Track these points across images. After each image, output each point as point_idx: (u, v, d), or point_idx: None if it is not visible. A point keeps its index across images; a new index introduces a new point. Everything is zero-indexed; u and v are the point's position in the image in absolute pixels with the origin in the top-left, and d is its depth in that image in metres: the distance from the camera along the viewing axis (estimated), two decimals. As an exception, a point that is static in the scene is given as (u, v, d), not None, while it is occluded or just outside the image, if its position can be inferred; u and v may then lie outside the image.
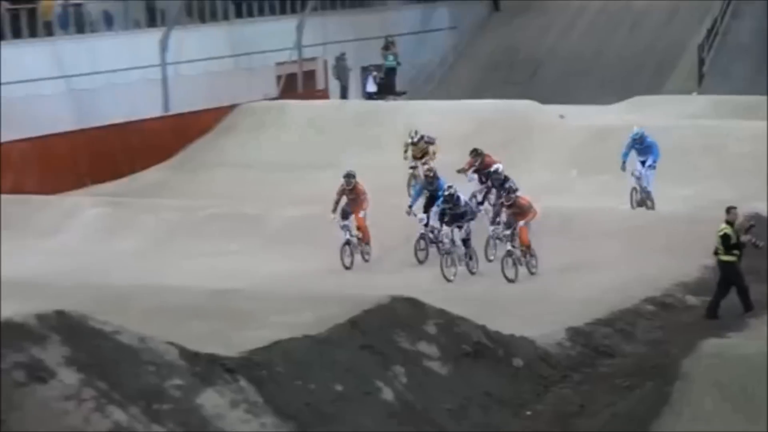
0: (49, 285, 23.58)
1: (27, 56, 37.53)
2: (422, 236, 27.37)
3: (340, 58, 46.51)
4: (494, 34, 53.06)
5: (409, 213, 27.48)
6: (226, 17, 45.18)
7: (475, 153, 30.29)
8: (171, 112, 39.72)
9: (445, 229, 25.94)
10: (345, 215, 27.46)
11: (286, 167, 34.68)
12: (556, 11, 53.02)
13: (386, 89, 46.24)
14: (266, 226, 27.67)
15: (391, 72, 46.72)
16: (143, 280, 24.99)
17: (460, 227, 25.94)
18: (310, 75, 46.87)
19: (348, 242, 27.21)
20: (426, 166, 29.91)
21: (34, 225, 32.47)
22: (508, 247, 25.55)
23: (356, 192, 27.60)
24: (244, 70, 43.67)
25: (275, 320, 19.62)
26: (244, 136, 38.72)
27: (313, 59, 46.75)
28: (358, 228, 27.44)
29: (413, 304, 20.52)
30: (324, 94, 46.74)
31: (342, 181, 27.65)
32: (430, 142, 32.74)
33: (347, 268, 27.14)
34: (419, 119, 38.88)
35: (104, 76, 38.32)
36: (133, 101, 38.41)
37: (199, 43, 42.29)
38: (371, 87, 46.34)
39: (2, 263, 26.47)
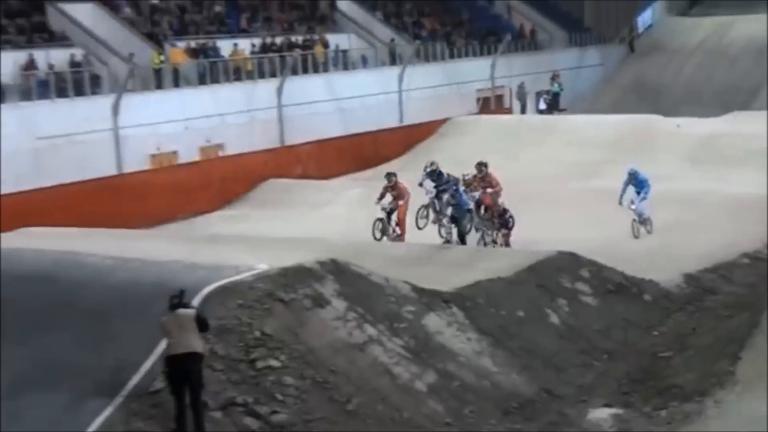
0: (325, 241, 23.86)
1: (310, 86, 37.91)
2: (425, 206, 24.64)
3: (521, 86, 46.14)
4: (630, 69, 52.52)
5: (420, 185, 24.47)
6: (443, 58, 45.00)
7: (480, 165, 25.97)
8: (404, 124, 39.75)
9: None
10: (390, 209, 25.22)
11: (484, 158, 34.93)
12: (675, 52, 52.25)
13: (553, 107, 45.83)
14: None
15: (556, 95, 46.21)
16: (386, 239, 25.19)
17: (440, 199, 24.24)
18: (499, 98, 46.63)
19: (380, 219, 24.90)
20: (431, 162, 25.45)
21: (314, 200, 32.61)
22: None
23: (398, 189, 25.27)
24: (454, 94, 43.42)
25: (477, 266, 19.65)
26: (454, 140, 38.84)
27: (502, 87, 46.38)
28: (398, 220, 25.12)
29: (573, 256, 20.48)
30: (509, 111, 46.45)
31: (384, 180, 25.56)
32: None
33: (377, 239, 24.94)
34: (576, 129, 39.07)
35: (361, 99, 38.54)
36: (380, 116, 38.66)
37: (424, 76, 42.09)
38: (542, 106, 45.90)
39: (295, 228, 26.54)
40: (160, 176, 31.31)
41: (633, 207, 25.52)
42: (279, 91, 35.95)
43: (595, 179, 32.02)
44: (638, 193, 25.59)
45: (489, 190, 24.81)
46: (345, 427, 14.48)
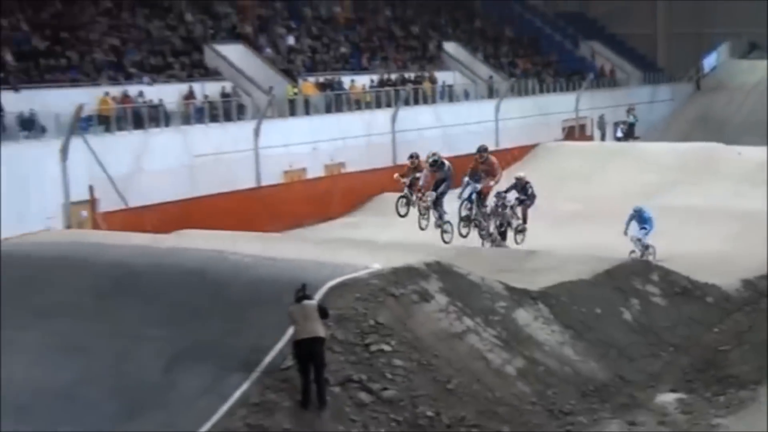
0: (431, 246, 23.05)
1: (420, 115, 37.81)
2: (404, 195, 22.37)
3: (601, 117, 45.49)
4: (696, 104, 51.43)
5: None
6: (534, 92, 44.69)
7: (480, 150, 23.34)
8: (499, 148, 39.22)
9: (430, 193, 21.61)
10: (411, 182, 22.90)
11: (568, 179, 34.49)
12: (736, 90, 51.03)
13: (629, 136, 44.94)
14: (550, 215, 27.16)
15: (632, 126, 45.20)
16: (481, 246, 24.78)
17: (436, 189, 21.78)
18: (582, 127, 45.94)
19: (403, 196, 22.98)
20: (433, 153, 22.94)
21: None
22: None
23: (419, 166, 22.82)
24: (543, 123, 42.95)
25: (561, 270, 19.42)
26: (542, 162, 38.48)
27: (584, 117, 45.75)
28: (418, 187, 22.95)
29: (645, 262, 20.38)
30: (590, 138, 45.86)
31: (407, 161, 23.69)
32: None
33: (402, 215, 23.00)
34: (648, 154, 38.50)
35: (463, 126, 38.01)
36: (478, 141, 38.14)
37: (517, 107, 41.73)
38: (619, 134, 44.99)
39: (404, 234, 25.76)
40: (292, 189, 31.66)
41: (635, 239, 23.98)
42: (393, 119, 36.03)
43: (664, 197, 31.57)
44: (643, 228, 24.11)
45: (491, 182, 22.84)
46: (446, 404, 14.56)
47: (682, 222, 25.89)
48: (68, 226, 25.74)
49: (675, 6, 55.82)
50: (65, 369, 15.58)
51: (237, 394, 14.43)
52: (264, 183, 31.13)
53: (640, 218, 24.24)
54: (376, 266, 16.78)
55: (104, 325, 16.83)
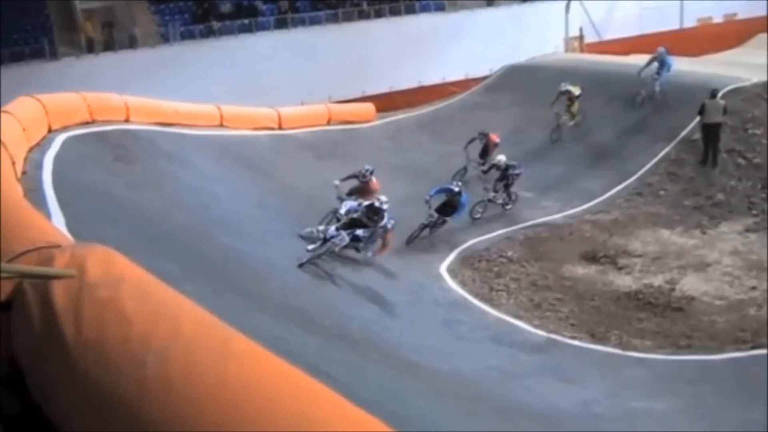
0: None
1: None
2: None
3: None
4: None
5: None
6: None
7: (480, 134, 18.91)
8: None
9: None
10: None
11: None
12: None
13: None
14: None
15: None
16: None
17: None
18: None
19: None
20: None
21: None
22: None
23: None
24: None
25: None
26: None
27: None
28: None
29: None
30: None
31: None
32: None
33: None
34: None
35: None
36: None
37: None
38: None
39: None
40: (700, 30, 32.35)
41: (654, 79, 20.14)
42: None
43: None
44: (659, 71, 20.17)
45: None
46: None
47: None
48: (566, 51, 29.49)
49: None
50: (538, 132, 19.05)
51: (662, 153, 17.59)
52: (685, 26, 32.51)
53: (662, 62, 20.35)
54: (755, 80, 19.06)
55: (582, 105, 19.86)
